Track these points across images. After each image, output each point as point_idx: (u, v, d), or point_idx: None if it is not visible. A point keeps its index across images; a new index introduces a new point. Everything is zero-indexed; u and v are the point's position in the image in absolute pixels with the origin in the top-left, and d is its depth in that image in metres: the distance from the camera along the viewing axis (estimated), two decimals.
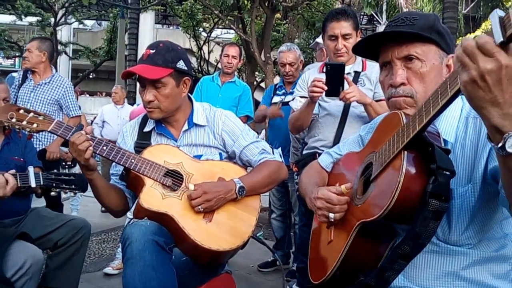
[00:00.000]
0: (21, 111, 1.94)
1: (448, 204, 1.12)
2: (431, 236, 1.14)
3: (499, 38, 0.86)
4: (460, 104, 1.34)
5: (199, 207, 1.86)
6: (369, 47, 1.44)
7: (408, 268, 1.23)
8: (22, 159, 2.77)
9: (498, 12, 0.88)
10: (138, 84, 2.13)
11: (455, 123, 1.31)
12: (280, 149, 2.29)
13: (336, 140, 2.71)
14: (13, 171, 2.23)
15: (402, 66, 1.34)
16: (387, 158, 1.23)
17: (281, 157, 2.20)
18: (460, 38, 13.43)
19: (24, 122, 1.92)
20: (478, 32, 14.30)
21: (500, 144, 0.90)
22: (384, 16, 18.10)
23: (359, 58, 2.92)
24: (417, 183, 1.14)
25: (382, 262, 1.25)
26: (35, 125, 1.93)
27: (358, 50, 1.51)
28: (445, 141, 1.28)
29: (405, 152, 1.17)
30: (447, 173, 1.11)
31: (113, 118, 6.60)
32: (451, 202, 1.22)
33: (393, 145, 1.22)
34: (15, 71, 4.47)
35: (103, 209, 6.75)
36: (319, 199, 1.44)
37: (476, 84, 0.88)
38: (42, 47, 4.19)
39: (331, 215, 1.39)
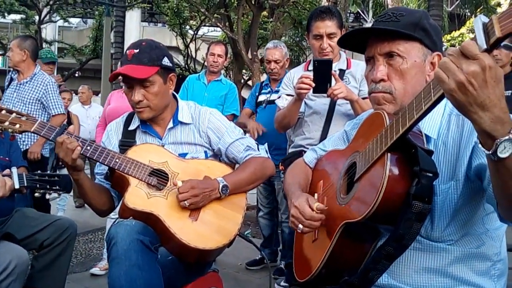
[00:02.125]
0: (3, 112, 1.91)
1: (431, 205, 1.14)
2: (414, 237, 1.15)
3: (483, 45, 0.87)
4: (444, 101, 1.35)
5: (186, 202, 1.85)
6: (356, 41, 1.44)
7: (392, 265, 1.24)
8: (7, 159, 2.74)
9: (482, 18, 0.88)
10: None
11: (439, 120, 1.32)
12: (266, 144, 2.28)
13: (323, 138, 2.72)
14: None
15: (383, 62, 1.35)
16: (371, 159, 1.24)
17: (267, 152, 2.19)
18: (445, 35, 13.57)
19: (6, 123, 1.89)
20: (463, 30, 14.44)
21: (491, 150, 0.91)
22: (370, 13, 18.17)
23: (343, 56, 2.94)
24: (401, 185, 1.15)
25: (366, 262, 1.26)
26: (17, 125, 1.90)
27: (344, 43, 1.51)
28: (428, 137, 1.29)
29: (389, 154, 1.18)
30: (430, 175, 1.13)
31: (82, 118, 6.55)
32: (434, 198, 1.23)
33: (376, 146, 1.23)
34: (0, 70, 4.46)
35: (77, 204, 6.74)
36: (294, 208, 1.46)
37: (463, 88, 0.89)
38: (23, 45, 4.13)
39: (300, 226, 1.41)
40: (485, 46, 0.87)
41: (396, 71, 1.34)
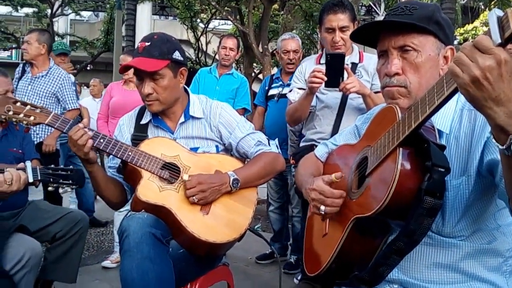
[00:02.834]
0: (18, 104, 1.94)
1: (443, 201, 1.13)
2: (425, 233, 1.15)
3: (497, 39, 0.85)
4: (456, 96, 1.34)
5: (194, 197, 1.86)
6: (368, 35, 1.43)
7: (402, 260, 1.24)
8: (20, 151, 2.77)
9: (496, 12, 0.87)
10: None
11: (451, 114, 1.31)
12: (277, 140, 2.28)
13: (334, 132, 2.71)
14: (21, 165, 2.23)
15: (397, 56, 1.34)
16: (382, 154, 1.24)
17: (277, 148, 2.19)
18: (458, 29, 13.41)
19: (21, 115, 1.92)
20: (477, 23, 14.25)
21: (505, 145, 0.91)
22: (382, 6, 18.02)
23: (356, 50, 2.91)
24: (412, 180, 1.15)
25: (376, 257, 1.26)
26: (32, 118, 1.92)
27: (356, 37, 1.50)
28: (440, 132, 1.28)
29: (401, 148, 1.18)
30: (442, 170, 1.12)
31: (93, 111, 6.57)
32: (445, 194, 1.22)
33: (388, 141, 1.23)
34: (12, 63, 4.48)
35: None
36: (313, 191, 1.44)
37: (478, 83, 0.88)
38: (42, 39, 4.16)
39: (322, 207, 1.39)
40: (499, 40, 0.86)
41: (410, 65, 1.33)
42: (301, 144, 3.04)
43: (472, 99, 0.92)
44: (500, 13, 0.87)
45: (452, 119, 1.31)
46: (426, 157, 1.13)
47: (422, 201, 1.11)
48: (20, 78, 4.16)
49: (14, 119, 1.93)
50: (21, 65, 4.31)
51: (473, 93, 0.90)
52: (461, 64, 0.91)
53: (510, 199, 1.06)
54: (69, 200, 5.76)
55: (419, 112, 1.11)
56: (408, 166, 1.16)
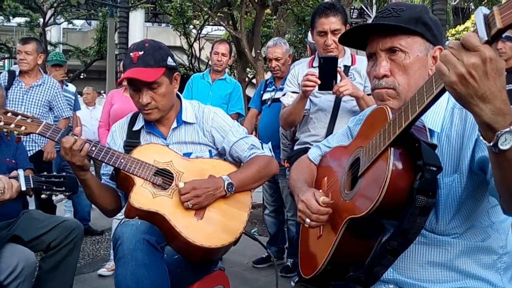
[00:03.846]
0: (9, 114, 1.93)
1: (435, 199, 1.13)
2: (418, 232, 1.15)
3: (484, 37, 0.86)
4: (447, 94, 1.34)
5: (188, 203, 1.86)
6: (357, 38, 1.44)
7: (397, 260, 1.24)
8: (14, 161, 2.76)
9: (483, 10, 0.88)
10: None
11: (442, 113, 1.32)
12: (270, 143, 2.28)
13: (328, 135, 2.70)
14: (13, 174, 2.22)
15: (386, 58, 1.35)
16: (374, 154, 1.24)
17: (271, 151, 2.19)
18: (450, 30, 13.50)
19: (12, 125, 1.91)
20: (468, 23, 14.35)
21: (492, 142, 0.91)
22: (374, 9, 18.11)
23: (348, 52, 2.92)
24: (404, 180, 1.15)
25: (371, 257, 1.26)
26: (23, 127, 1.91)
27: (345, 41, 1.51)
28: (432, 132, 1.28)
29: (392, 148, 1.18)
30: (434, 169, 1.12)
31: (87, 120, 6.59)
32: (438, 192, 1.22)
33: (380, 141, 1.23)
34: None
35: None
36: (301, 202, 1.46)
37: (464, 80, 0.89)
38: (40, 49, 4.27)
39: (307, 220, 1.42)
40: (486, 38, 0.86)
41: (399, 66, 1.33)
42: (296, 147, 3.04)
43: (458, 96, 0.92)
44: (486, 11, 0.88)
45: (444, 118, 1.31)
46: (417, 156, 1.13)
47: (415, 200, 1.11)
48: (8, 88, 4.16)
49: (5, 130, 1.92)
50: (5, 74, 4.30)
51: (459, 91, 0.90)
52: (447, 62, 0.91)
53: (500, 196, 1.06)
54: (64, 209, 5.73)
55: (409, 111, 1.11)
56: (400, 165, 1.16)
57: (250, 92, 10.51)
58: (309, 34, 3.59)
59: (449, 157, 1.26)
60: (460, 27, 14.38)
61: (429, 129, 1.27)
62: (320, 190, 1.53)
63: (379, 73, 1.35)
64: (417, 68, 1.33)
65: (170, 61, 2.01)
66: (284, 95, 3.02)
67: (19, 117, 1.93)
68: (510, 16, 0.83)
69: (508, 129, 0.89)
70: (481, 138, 0.95)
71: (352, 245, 1.32)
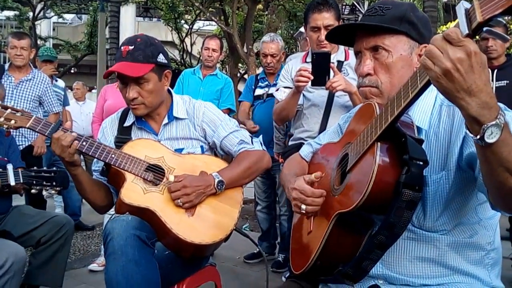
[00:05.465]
0: None
1: (421, 193, 1.14)
2: (405, 226, 1.15)
3: (465, 30, 0.87)
4: (435, 92, 1.35)
5: (179, 200, 1.86)
6: (345, 35, 1.44)
7: (386, 255, 1.25)
8: (6, 159, 2.74)
9: (464, 4, 0.89)
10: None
11: (429, 110, 1.32)
12: (261, 137, 2.29)
13: (322, 130, 2.72)
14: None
15: (370, 57, 1.36)
16: (361, 149, 1.25)
17: (261, 145, 2.19)
18: (441, 26, 13.54)
19: (1, 119, 1.89)
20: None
21: (479, 135, 0.92)
22: (365, 5, 18.13)
23: (341, 48, 2.93)
24: (391, 174, 1.16)
25: (359, 252, 1.27)
26: (12, 121, 1.90)
27: (332, 38, 1.52)
28: (419, 129, 1.29)
29: (379, 143, 1.18)
30: (420, 163, 1.13)
31: (76, 115, 6.57)
32: (426, 189, 1.24)
33: (367, 136, 1.24)
34: None
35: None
36: (294, 190, 1.46)
37: (449, 75, 0.89)
38: (32, 44, 4.31)
39: (303, 206, 1.41)
40: (467, 31, 0.87)
41: (382, 65, 1.34)
42: (290, 143, 3.05)
43: (444, 91, 0.93)
44: (467, 5, 0.89)
45: (431, 115, 1.32)
46: (403, 150, 1.14)
47: (401, 194, 1.12)
48: None
49: None
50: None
51: (445, 85, 0.91)
52: (432, 56, 0.92)
53: (488, 190, 1.08)
54: (55, 204, 5.70)
55: (394, 106, 1.12)
56: (386, 160, 1.17)
57: (242, 87, 10.48)
58: (302, 28, 3.60)
59: (437, 154, 1.27)
60: (451, 24, 14.43)
61: (417, 126, 1.28)
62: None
63: (362, 72, 1.36)
64: (400, 67, 1.34)
65: (161, 58, 1.99)
66: (277, 90, 3.02)
67: (9, 110, 1.91)
68: (490, 10, 0.84)
69: (494, 122, 0.90)
70: (467, 132, 0.96)
71: (341, 240, 1.33)
